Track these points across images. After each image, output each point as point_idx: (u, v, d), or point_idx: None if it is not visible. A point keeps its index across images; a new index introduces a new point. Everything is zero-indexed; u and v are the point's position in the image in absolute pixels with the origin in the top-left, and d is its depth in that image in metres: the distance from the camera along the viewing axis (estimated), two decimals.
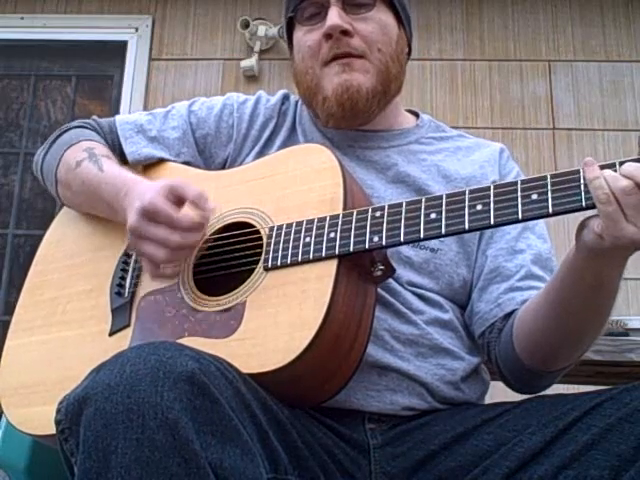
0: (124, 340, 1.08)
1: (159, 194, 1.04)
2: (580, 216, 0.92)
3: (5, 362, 1.19)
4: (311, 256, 1.00)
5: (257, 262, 1.05)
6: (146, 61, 3.46)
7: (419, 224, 0.96)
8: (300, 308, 0.96)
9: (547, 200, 0.90)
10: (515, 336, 1.09)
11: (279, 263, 1.02)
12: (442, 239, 1.12)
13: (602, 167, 0.88)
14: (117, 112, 3.33)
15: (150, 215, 1.03)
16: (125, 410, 0.75)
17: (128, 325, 1.10)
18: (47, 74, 3.62)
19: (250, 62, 3.36)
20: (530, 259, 1.17)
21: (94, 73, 3.60)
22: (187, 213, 1.04)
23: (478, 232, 1.18)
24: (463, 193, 0.96)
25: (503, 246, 1.18)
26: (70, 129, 1.30)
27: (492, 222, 0.92)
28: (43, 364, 1.14)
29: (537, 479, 0.89)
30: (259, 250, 1.05)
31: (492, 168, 1.25)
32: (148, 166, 1.28)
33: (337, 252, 0.98)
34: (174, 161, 1.27)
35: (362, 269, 1.01)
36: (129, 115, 1.35)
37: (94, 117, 1.34)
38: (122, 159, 1.28)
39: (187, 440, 0.74)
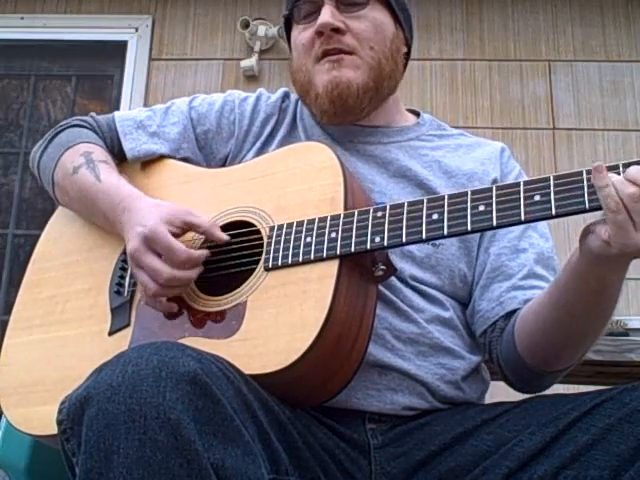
0: (124, 340, 1.08)
1: (162, 221, 1.04)
2: (581, 217, 0.92)
3: (4, 361, 1.19)
4: (312, 256, 1.00)
5: (257, 262, 1.04)
6: (146, 61, 3.46)
7: (421, 225, 0.96)
8: (301, 309, 0.96)
9: (550, 202, 0.89)
10: (517, 335, 1.09)
11: (280, 263, 1.02)
12: None
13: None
14: None
15: (149, 243, 1.03)
16: (127, 410, 0.74)
17: (128, 325, 1.10)
18: (47, 74, 3.62)
19: (250, 62, 3.36)
20: (533, 258, 1.17)
21: (94, 73, 3.60)
22: (186, 249, 1.03)
23: None
24: (465, 194, 0.96)
25: (506, 244, 1.18)
26: (68, 127, 1.30)
27: (494, 223, 0.92)
28: (42, 363, 1.13)
29: (537, 479, 0.89)
30: (259, 250, 1.05)
31: (493, 166, 1.25)
32: (147, 163, 1.28)
33: (338, 252, 0.98)
34: (173, 157, 1.27)
35: (363, 269, 1.01)
36: (128, 111, 1.34)
37: (92, 114, 1.33)
38: (121, 157, 1.28)
39: (189, 440, 0.74)
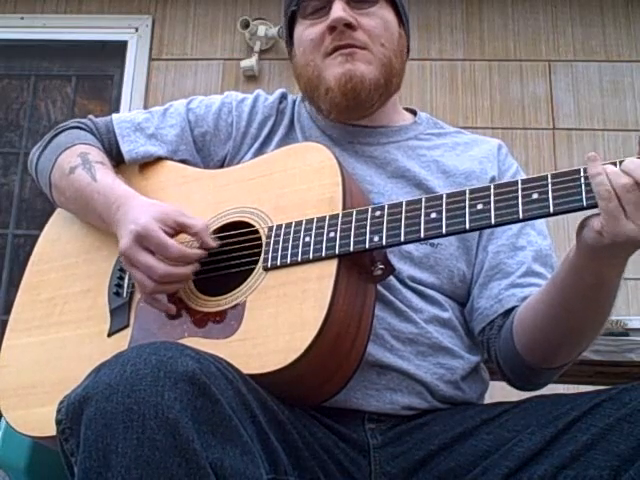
0: (123, 340, 1.07)
1: (154, 220, 1.04)
2: (580, 215, 0.92)
3: (3, 363, 1.19)
4: (311, 256, 1.00)
5: (256, 262, 1.04)
6: (146, 61, 3.46)
7: (419, 224, 0.96)
8: (300, 308, 0.96)
9: (548, 200, 0.89)
10: (515, 333, 1.10)
11: (279, 263, 1.02)
12: None
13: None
14: (117, 112, 3.32)
15: (141, 240, 1.03)
16: (125, 410, 0.75)
17: (127, 325, 1.10)
18: (47, 74, 3.62)
19: (250, 62, 3.36)
20: (531, 256, 1.18)
21: (94, 73, 3.60)
22: (179, 246, 1.03)
23: None
24: (463, 193, 0.96)
25: (504, 242, 1.18)
26: (66, 129, 1.30)
27: (493, 222, 0.92)
28: (41, 365, 1.13)
29: (537, 479, 0.89)
30: (258, 250, 1.05)
31: (491, 164, 1.25)
32: (145, 165, 1.28)
33: (337, 252, 0.98)
34: (171, 159, 1.27)
35: (362, 269, 1.01)
36: (126, 114, 1.35)
37: (90, 116, 1.34)
38: (120, 159, 1.28)
39: (187, 440, 0.74)
